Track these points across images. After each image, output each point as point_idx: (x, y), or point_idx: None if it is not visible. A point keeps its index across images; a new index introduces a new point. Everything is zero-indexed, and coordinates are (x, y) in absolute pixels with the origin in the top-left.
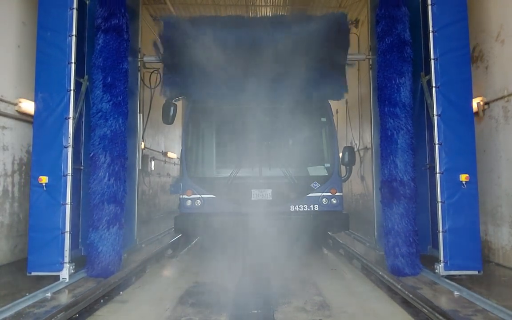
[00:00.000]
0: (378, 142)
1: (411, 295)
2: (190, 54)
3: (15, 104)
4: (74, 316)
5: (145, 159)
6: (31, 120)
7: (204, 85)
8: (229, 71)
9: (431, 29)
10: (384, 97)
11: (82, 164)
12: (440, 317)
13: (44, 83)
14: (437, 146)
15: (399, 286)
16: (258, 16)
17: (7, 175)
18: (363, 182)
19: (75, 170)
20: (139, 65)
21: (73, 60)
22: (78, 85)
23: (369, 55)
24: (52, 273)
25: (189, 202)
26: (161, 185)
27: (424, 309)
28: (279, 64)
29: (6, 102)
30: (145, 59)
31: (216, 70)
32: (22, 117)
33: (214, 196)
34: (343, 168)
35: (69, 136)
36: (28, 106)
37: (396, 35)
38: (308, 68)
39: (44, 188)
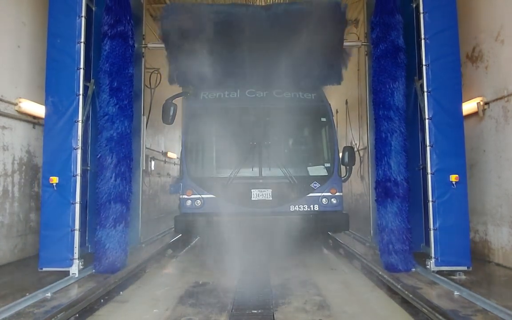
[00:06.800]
0: (373, 144)
1: (411, 295)
2: (184, 40)
3: (15, 104)
4: (74, 316)
5: (145, 159)
6: (31, 120)
7: (203, 73)
8: (228, 63)
9: (423, 36)
10: (378, 100)
11: (89, 165)
12: (440, 317)
13: (54, 88)
14: (428, 148)
15: (399, 286)
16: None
17: (7, 175)
18: (362, 182)
19: (83, 171)
20: (143, 51)
21: (81, 66)
22: (85, 89)
23: (364, 42)
24: (62, 269)
25: (189, 202)
26: (161, 185)
27: (424, 309)
28: (276, 50)
29: (6, 102)
30: (149, 45)
31: (214, 59)
32: (22, 117)
33: (214, 196)
34: (343, 168)
35: (78, 138)
36: (28, 106)
37: (390, 42)
38: (307, 54)
39: (55, 188)
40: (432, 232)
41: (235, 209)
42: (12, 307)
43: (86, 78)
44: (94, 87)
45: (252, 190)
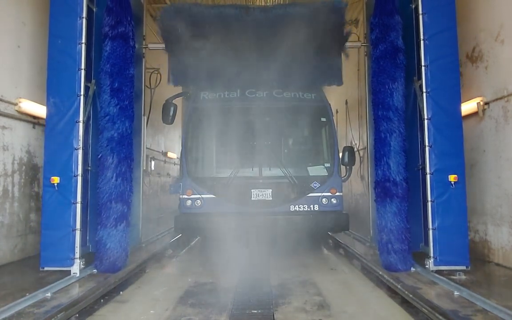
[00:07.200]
0: (373, 144)
1: (411, 295)
2: (187, 41)
3: (15, 104)
4: (74, 316)
5: (145, 159)
6: (31, 120)
7: (203, 74)
8: (228, 63)
9: (422, 37)
10: (377, 101)
11: (90, 165)
12: (440, 317)
13: (55, 88)
14: (427, 148)
15: (399, 286)
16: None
17: (7, 175)
18: (362, 182)
19: (84, 171)
20: (144, 52)
21: (83, 66)
22: (86, 89)
23: (364, 43)
24: (64, 268)
25: (189, 202)
26: (161, 185)
27: (424, 309)
28: (276, 51)
29: (6, 102)
30: (150, 46)
31: (214, 59)
32: (22, 117)
33: (214, 196)
34: (343, 168)
35: (79, 138)
36: (28, 106)
37: (389, 42)
38: (308, 55)
39: (56, 188)
40: (431, 232)
41: (235, 209)
42: (12, 307)
43: (87, 79)
44: (95, 87)
45: (252, 190)
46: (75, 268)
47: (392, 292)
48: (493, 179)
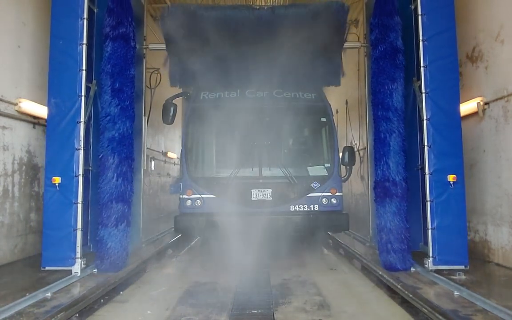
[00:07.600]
0: (372, 144)
1: (411, 295)
2: (188, 41)
3: (15, 104)
4: (74, 316)
5: (146, 159)
6: (31, 120)
7: (204, 74)
8: (228, 63)
9: (421, 38)
10: (377, 101)
11: (91, 165)
12: (440, 317)
13: (57, 89)
14: (426, 149)
15: (399, 286)
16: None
17: (7, 175)
18: (362, 182)
19: (85, 171)
20: (144, 52)
21: (84, 67)
22: (87, 90)
23: (364, 43)
24: (65, 268)
25: (189, 202)
26: (161, 185)
27: (424, 309)
28: (278, 52)
29: (6, 102)
30: (150, 46)
31: (215, 59)
32: (22, 117)
33: (214, 196)
34: (343, 168)
35: (81, 139)
36: (28, 106)
37: (389, 43)
38: (308, 55)
39: (57, 188)
40: (430, 232)
41: (235, 209)
42: (12, 307)
43: (88, 79)
44: (96, 88)
45: (252, 190)
46: (76, 268)
47: (392, 292)
48: (493, 179)
